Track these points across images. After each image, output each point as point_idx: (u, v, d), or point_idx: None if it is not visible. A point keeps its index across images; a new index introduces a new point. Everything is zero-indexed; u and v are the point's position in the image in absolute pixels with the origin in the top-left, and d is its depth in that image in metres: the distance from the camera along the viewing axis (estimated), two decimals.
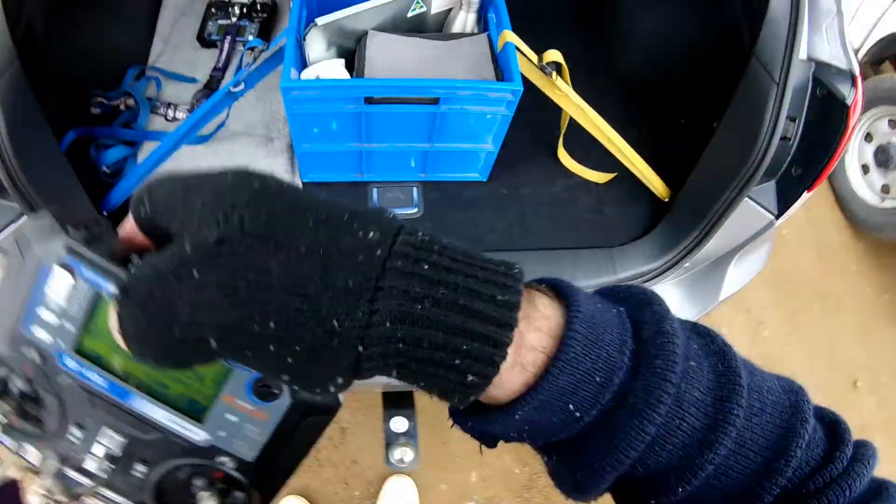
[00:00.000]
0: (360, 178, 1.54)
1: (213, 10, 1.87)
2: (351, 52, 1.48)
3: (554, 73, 1.41)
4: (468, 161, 1.51)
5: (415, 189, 1.54)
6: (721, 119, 1.34)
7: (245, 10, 1.87)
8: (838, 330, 2.48)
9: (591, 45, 1.94)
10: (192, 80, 1.78)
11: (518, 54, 1.36)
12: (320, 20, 1.37)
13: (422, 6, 1.49)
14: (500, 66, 1.42)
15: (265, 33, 1.85)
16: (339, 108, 1.31)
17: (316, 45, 1.41)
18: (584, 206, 1.53)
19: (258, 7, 1.86)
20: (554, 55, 1.41)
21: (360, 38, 1.46)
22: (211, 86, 1.75)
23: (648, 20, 1.83)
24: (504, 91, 1.31)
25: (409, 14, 1.49)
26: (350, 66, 1.46)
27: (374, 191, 1.54)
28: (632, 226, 1.50)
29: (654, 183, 1.54)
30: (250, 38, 1.83)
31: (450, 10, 1.53)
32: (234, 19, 1.85)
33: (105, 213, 1.45)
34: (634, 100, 1.79)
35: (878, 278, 2.67)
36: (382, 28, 1.47)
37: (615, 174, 1.58)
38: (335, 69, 1.43)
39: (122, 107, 1.73)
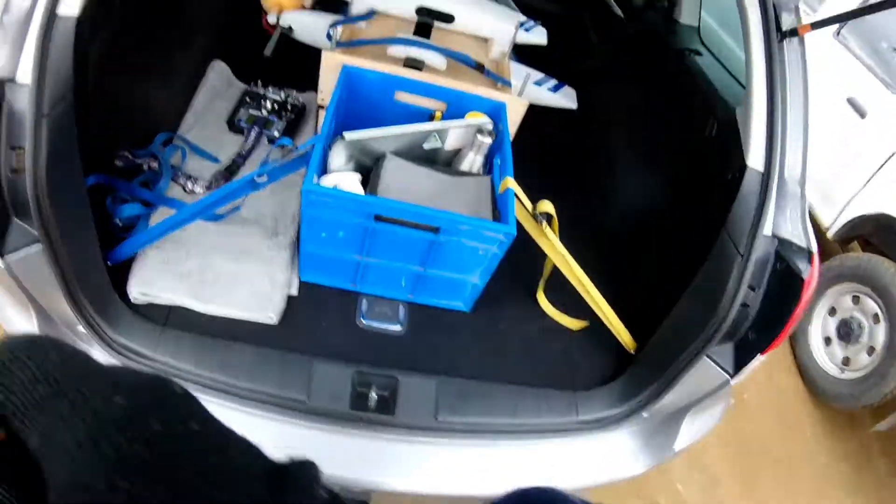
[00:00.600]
0: (353, 288, 1.66)
1: (247, 98, 2.04)
2: (367, 168, 1.63)
3: (545, 223, 1.57)
4: (455, 290, 1.64)
5: (401, 307, 1.65)
6: (690, 282, 1.45)
7: (276, 106, 2.05)
8: (793, 495, 2.51)
9: (582, 201, 2.16)
10: (215, 160, 1.92)
11: (515, 201, 1.53)
12: (348, 135, 1.53)
13: (437, 141, 1.66)
14: (499, 207, 1.58)
15: (290, 132, 2.02)
16: (350, 220, 1.45)
17: (338, 156, 1.57)
18: (555, 348, 1.66)
19: (289, 107, 2.03)
20: (547, 206, 1.58)
21: (379, 158, 1.62)
22: (231, 169, 1.89)
23: (635, 187, 2.05)
24: (498, 232, 1.46)
25: (426, 146, 1.66)
26: (364, 182, 1.61)
27: (364, 301, 1.65)
28: (597, 372, 1.61)
29: (623, 335, 1.67)
30: (276, 133, 2.00)
31: (461, 149, 1.70)
32: (264, 112, 2.03)
33: (109, 264, 1.52)
34: (614, 255, 1.98)
35: (836, 447, 2.73)
36: (399, 153, 1.63)
37: (587, 323, 1.72)
38: (351, 182, 1.57)
39: (146, 167, 1.85)
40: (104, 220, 1.60)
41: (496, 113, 1.76)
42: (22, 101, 1.09)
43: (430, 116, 1.79)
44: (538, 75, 2.26)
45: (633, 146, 2.26)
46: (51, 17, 1.10)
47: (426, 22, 2.09)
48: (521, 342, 1.66)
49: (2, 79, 1.09)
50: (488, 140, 1.61)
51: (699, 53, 2.23)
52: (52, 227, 1.16)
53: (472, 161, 1.69)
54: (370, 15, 2.05)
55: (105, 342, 1.35)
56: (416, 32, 2.05)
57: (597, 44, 2.95)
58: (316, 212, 1.45)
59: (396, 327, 1.61)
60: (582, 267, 1.61)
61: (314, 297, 1.63)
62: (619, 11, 2.90)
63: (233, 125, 2.00)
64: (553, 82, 2.24)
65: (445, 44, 2.03)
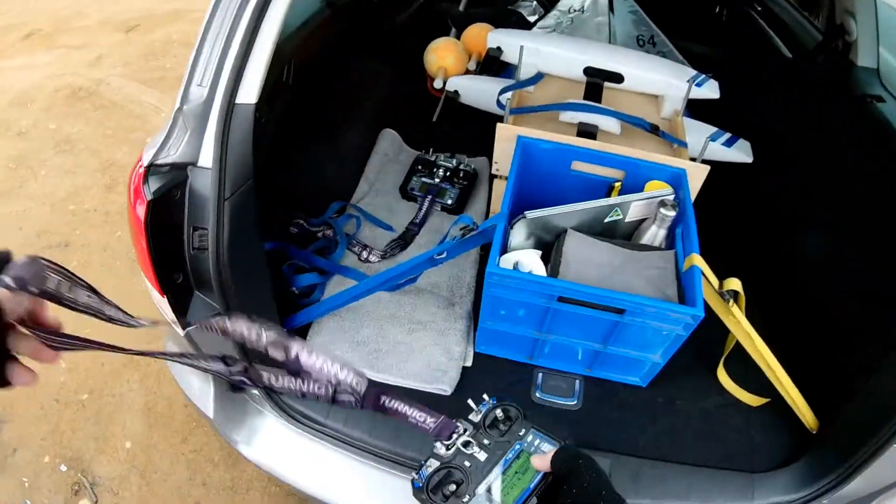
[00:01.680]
0: (529, 361, 1.66)
1: (418, 166, 2.14)
2: (547, 242, 1.65)
3: (731, 301, 1.50)
4: (634, 367, 1.59)
5: (577, 381, 1.64)
6: (886, 357, 1.35)
7: (448, 173, 2.13)
8: None
9: (762, 262, 2.06)
10: (389, 228, 2.02)
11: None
12: (530, 214, 1.56)
13: (619, 214, 1.67)
14: (684, 285, 1.53)
15: (462, 199, 2.10)
16: (532, 300, 1.44)
17: (519, 233, 1.59)
18: (733, 425, 1.58)
19: (461, 174, 2.11)
20: (734, 284, 1.50)
21: (559, 233, 1.63)
22: (405, 238, 1.98)
23: (819, 247, 1.95)
24: (686, 314, 1.36)
25: (606, 220, 1.66)
26: (544, 256, 1.62)
27: (539, 375, 1.64)
28: (776, 452, 1.52)
29: (805, 413, 1.56)
30: (449, 201, 2.08)
31: (642, 220, 1.70)
32: (436, 180, 2.11)
33: (287, 330, 1.64)
34: (801, 328, 1.85)
35: None
36: (580, 227, 1.63)
37: (768, 399, 1.64)
38: (532, 259, 1.58)
39: (321, 235, 1.98)
40: (281, 285, 1.71)
41: (677, 181, 1.72)
42: (204, 184, 1.15)
43: (610, 187, 1.79)
44: (710, 129, 2.20)
45: (813, 200, 2.12)
46: (230, 105, 1.16)
47: (596, 83, 2.11)
48: (697, 419, 1.60)
49: (185, 163, 1.16)
50: (672, 213, 1.57)
51: (881, 100, 2.07)
52: (233, 300, 1.22)
53: (655, 234, 1.65)
54: (538, 78, 2.09)
55: (279, 407, 1.42)
56: (586, 95, 2.06)
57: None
58: (498, 292, 1.48)
59: (572, 402, 1.60)
60: (762, 336, 1.53)
61: (489, 369, 1.64)
62: (787, 52, 2.78)
63: (406, 193, 2.10)
64: (726, 136, 2.16)
65: (615, 105, 2.02)
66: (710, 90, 2.07)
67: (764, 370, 1.57)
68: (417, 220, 2.02)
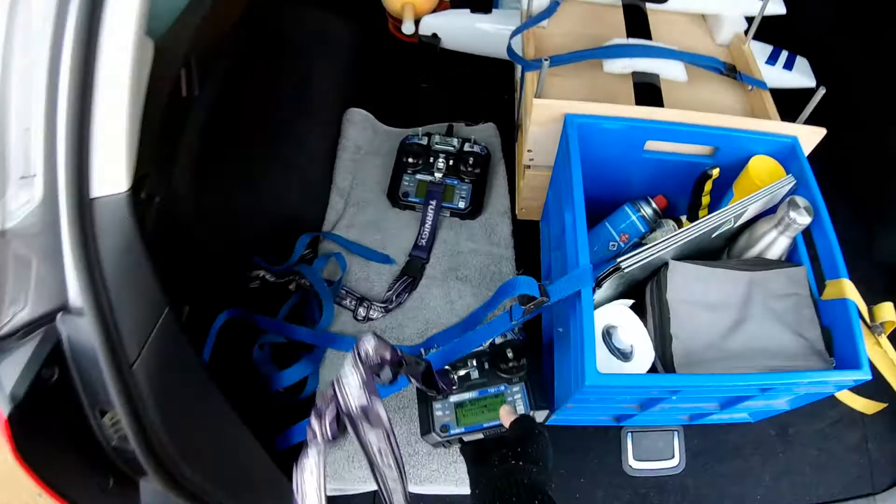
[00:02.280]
0: (614, 423, 1.32)
1: (408, 158, 1.52)
2: (637, 280, 1.11)
3: (882, 336, 1.07)
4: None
5: (675, 435, 1.36)
6: None
7: (451, 161, 1.52)
8: None
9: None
10: (386, 260, 1.45)
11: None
12: (624, 264, 1.01)
13: (731, 222, 1.11)
14: (825, 323, 1.06)
15: (478, 199, 1.52)
16: (637, 396, 1.10)
17: (607, 287, 1.06)
18: (849, 444, 1.42)
19: (469, 161, 1.50)
20: (888, 312, 1.06)
21: (657, 268, 1.10)
22: (412, 272, 1.41)
23: None
24: (845, 378, 0.97)
25: (715, 234, 1.11)
26: (636, 302, 1.11)
27: (630, 438, 1.34)
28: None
29: None
30: (462, 204, 1.49)
31: (753, 221, 1.14)
32: (437, 174, 1.51)
33: (279, 451, 1.20)
34: None
35: None
36: (682, 254, 1.11)
37: (885, 405, 1.32)
38: (621, 315, 1.08)
39: (293, 287, 1.41)
40: (257, 385, 1.29)
41: (788, 155, 1.21)
42: (88, 337, 0.70)
43: (704, 175, 1.25)
44: (765, 48, 1.73)
45: None
46: (81, 205, 0.69)
47: (635, 5, 1.49)
48: (813, 446, 1.42)
49: (47, 313, 0.70)
50: (806, 221, 1.06)
51: None
52: (188, 481, 0.85)
53: (773, 242, 1.13)
54: (555, 6, 1.46)
55: None
56: (628, 26, 1.48)
57: None
58: (590, 396, 1.02)
59: (673, 462, 1.34)
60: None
61: (566, 445, 1.35)
62: None
63: (397, 201, 1.49)
64: (784, 55, 1.74)
65: (662, 37, 1.48)
66: (775, 4, 1.51)
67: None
68: (423, 242, 1.45)
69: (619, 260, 1.01)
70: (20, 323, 0.70)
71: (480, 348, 1.18)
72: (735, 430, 1.39)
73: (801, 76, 1.73)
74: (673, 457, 1.34)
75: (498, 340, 1.19)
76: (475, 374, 1.16)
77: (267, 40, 1.50)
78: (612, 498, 1.31)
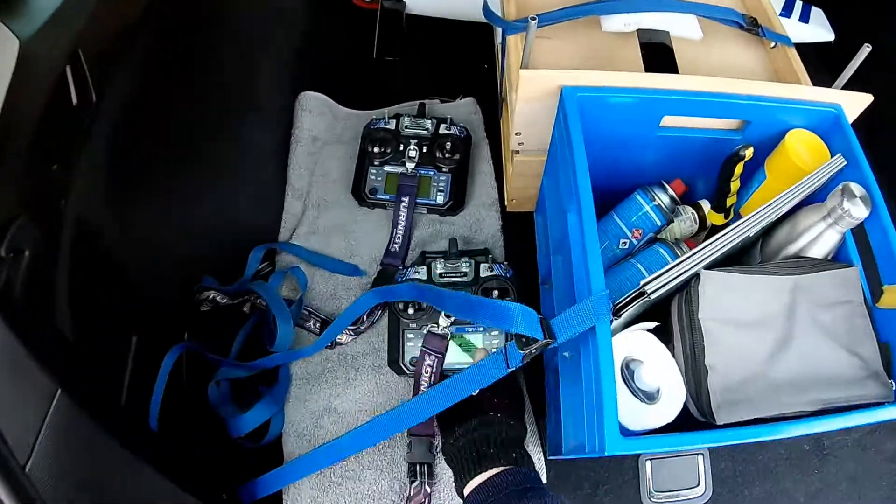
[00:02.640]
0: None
1: (373, 147, 1.29)
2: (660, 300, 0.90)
3: None
4: None
5: (700, 460, 1.14)
6: None
7: (424, 147, 1.29)
8: None
9: None
10: (354, 271, 1.23)
11: None
12: (650, 287, 0.81)
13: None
14: (881, 333, 0.88)
15: (459, 191, 1.29)
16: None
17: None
18: (887, 453, 1.26)
19: (447, 147, 1.28)
20: None
21: (686, 281, 0.89)
22: (384, 283, 1.18)
23: None
24: None
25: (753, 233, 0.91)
26: (659, 327, 0.90)
27: (648, 465, 1.13)
28: None
29: None
30: (440, 199, 1.26)
31: (796, 208, 0.93)
32: (409, 165, 1.28)
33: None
34: None
35: None
36: (716, 262, 0.90)
37: None
38: (647, 345, 0.88)
39: (247, 309, 1.19)
40: (213, 428, 1.09)
41: (828, 126, 1.00)
42: None
43: (735, 155, 1.01)
44: None
45: None
46: None
47: None
48: (850, 459, 1.26)
49: None
50: (863, 212, 0.88)
51: None
52: None
53: (818, 236, 0.94)
54: None
55: None
56: None
57: None
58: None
59: (698, 491, 1.11)
60: None
61: (573, 477, 1.17)
62: None
63: (363, 199, 1.26)
64: (799, 5, 1.56)
65: None
66: None
67: None
68: (396, 247, 1.23)
69: (643, 283, 0.81)
70: None
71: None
72: (766, 448, 1.25)
73: (818, 28, 1.55)
74: (698, 484, 1.14)
75: (484, 273, 1.16)
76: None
77: (193, 14, 1.24)
78: None
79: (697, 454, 1.12)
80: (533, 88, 0.97)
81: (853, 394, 0.82)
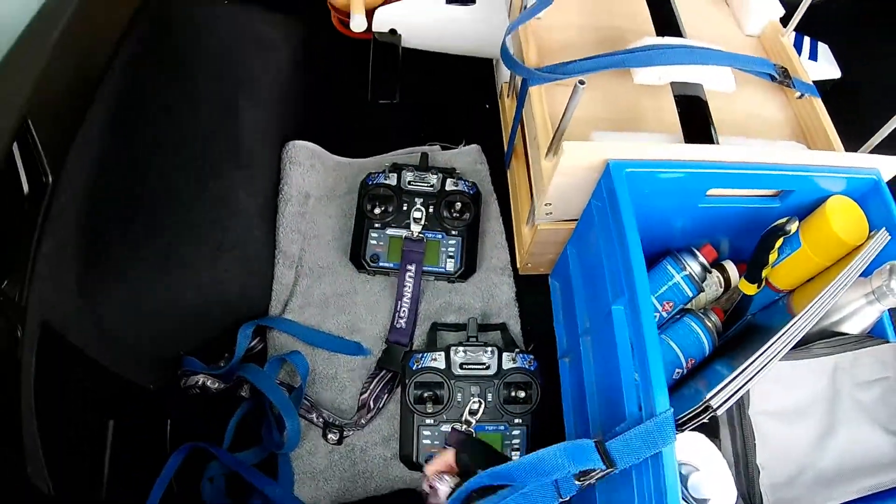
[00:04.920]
0: None
1: (373, 207, 1.21)
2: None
3: None
4: None
5: None
6: None
7: (430, 206, 1.21)
8: None
9: None
10: (356, 350, 1.15)
11: None
12: (716, 401, 0.78)
13: None
14: None
15: (470, 255, 1.22)
16: None
17: None
18: None
19: (456, 205, 1.21)
20: None
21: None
22: (391, 361, 1.11)
23: None
24: None
25: None
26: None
27: None
28: None
29: None
30: (451, 266, 1.18)
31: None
32: (415, 227, 1.19)
33: None
34: None
35: None
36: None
37: None
38: (700, 449, 0.81)
39: (245, 393, 1.12)
40: None
41: (865, 191, 0.98)
42: None
43: (778, 229, 0.97)
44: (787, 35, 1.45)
45: None
46: None
47: None
48: None
49: None
50: None
51: None
52: None
53: (859, 310, 0.92)
54: None
55: None
56: (654, 14, 1.21)
57: None
58: None
59: None
60: None
61: None
62: None
63: (363, 265, 1.18)
64: (807, 42, 1.53)
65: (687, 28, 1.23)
66: None
67: None
68: (402, 323, 1.15)
69: (708, 397, 0.77)
70: None
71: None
72: None
73: (826, 66, 1.52)
74: None
75: (507, 365, 1.10)
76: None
77: (165, 53, 1.13)
78: None
79: None
80: (574, 160, 0.89)
81: (892, 476, 0.83)
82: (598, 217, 0.93)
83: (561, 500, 0.75)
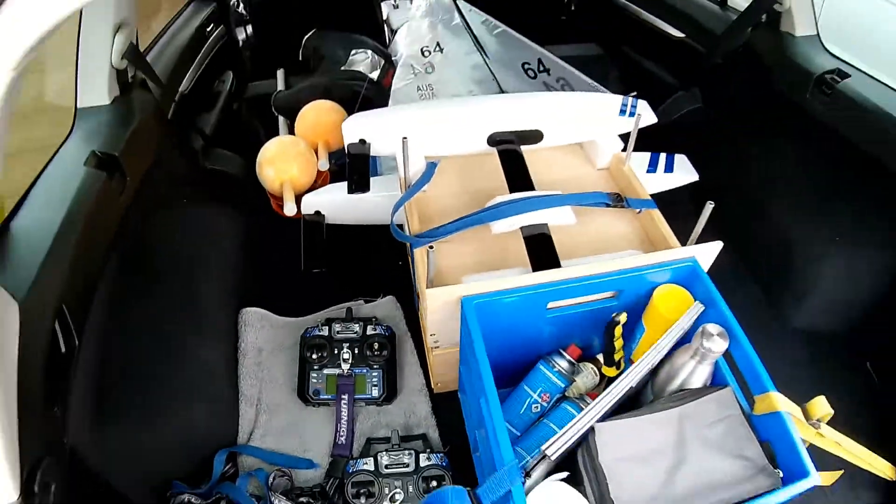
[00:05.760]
0: None
1: (312, 354, 1.57)
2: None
3: (822, 426, 1.16)
4: None
5: None
6: None
7: (356, 350, 1.58)
8: None
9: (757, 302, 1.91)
10: (310, 465, 1.47)
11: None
12: (551, 451, 1.10)
13: None
14: (764, 437, 1.14)
15: (391, 384, 1.58)
16: None
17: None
18: None
19: (375, 347, 1.58)
20: (821, 407, 1.14)
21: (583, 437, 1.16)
22: (337, 472, 1.42)
23: (831, 277, 1.80)
24: (794, 489, 1.04)
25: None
26: (570, 475, 1.14)
27: None
28: None
29: (881, 467, 1.33)
30: (375, 392, 1.53)
31: (670, 352, 1.25)
32: (345, 367, 1.55)
33: None
34: (821, 361, 1.75)
35: None
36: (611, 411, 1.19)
37: (842, 472, 1.33)
38: (560, 495, 1.10)
39: None
40: None
41: (687, 275, 1.33)
42: None
43: (612, 322, 1.35)
44: (643, 157, 1.85)
45: (803, 219, 1.89)
46: None
47: (511, 150, 1.63)
48: None
49: None
50: (722, 347, 1.15)
51: (845, 75, 1.80)
52: None
53: (695, 373, 1.22)
54: (432, 170, 1.57)
55: None
56: (507, 173, 1.58)
57: (673, 84, 2.46)
58: None
59: None
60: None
61: None
62: (676, 33, 2.44)
63: (307, 399, 1.55)
64: (662, 157, 1.88)
65: (538, 171, 1.60)
66: (646, 114, 1.69)
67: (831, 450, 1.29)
68: (343, 439, 1.49)
69: (544, 448, 1.08)
70: None
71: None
72: None
73: (683, 174, 1.88)
74: None
75: (423, 463, 1.40)
76: None
77: (146, 257, 1.52)
78: None
79: None
80: (438, 301, 1.26)
81: (746, 488, 1.05)
82: (465, 340, 1.28)
83: None
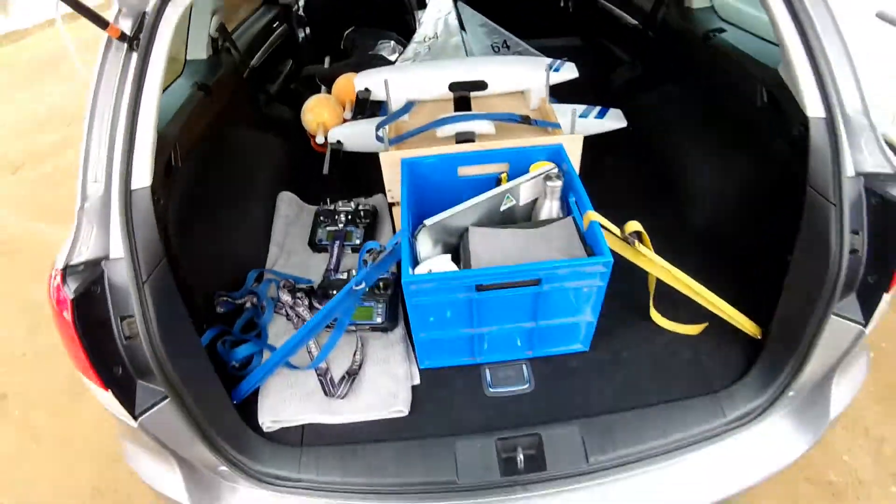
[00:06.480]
0: (473, 361, 1.82)
1: (321, 218, 2.38)
2: (455, 247, 1.87)
3: (636, 242, 1.70)
4: (570, 334, 1.79)
5: (524, 366, 1.80)
6: (792, 250, 1.52)
7: (349, 216, 2.37)
8: None
9: (660, 209, 2.36)
10: (308, 283, 2.20)
11: (603, 230, 1.63)
12: (428, 221, 1.77)
13: (511, 200, 1.89)
14: (589, 243, 1.71)
15: (369, 236, 2.35)
16: (453, 297, 1.59)
17: (424, 244, 1.79)
18: (683, 358, 1.77)
19: (361, 214, 2.36)
20: (634, 226, 1.70)
21: (462, 233, 1.84)
22: (324, 286, 2.14)
23: (705, 179, 2.34)
24: (596, 264, 1.55)
25: (502, 208, 1.88)
26: (456, 259, 1.82)
27: (487, 372, 1.80)
28: (731, 368, 1.70)
29: (745, 324, 1.76)
30: (357, 241, 2.31)
31: (535, 200, 1.93)
32: (340, 225, 2.35)
33: (235, 403, 1.66)
34: (711, 252, 2.11)
35: None
36: (480, 223, 1.85)
37: (706, 324, 1.82)
38: (443, 263, 1.78)
39: (248, 304, 2.12)
40: (220, 364, 1.78)
41: (557, 156, 1.94)
42: (120, 274, 1.27)
43: (497, 181, 2.01)
44: (580, 108, 2.51)
45: (691, 142, 2.54)
46: (127, 193, 1.33)
47: (463, 95, 2.36)
48: (648, 363, 1.77)
49: (98, 258, 1.29)
50: (558, 183, 1.79)
51: (722, 31, 2.48)
52: (176, 381, 1.32)
53: (550, 208, 1.86)
54: (409, 107, 2.33)
55: (249, 475, 1.49)
56: (456, 108, 2.31)
57: (627, 60, 3.33)
58: (420, 299, 1.61)
59: (524, 386, 1.74)
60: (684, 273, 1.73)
61: (439, 380, 1.78)
62: (633, 21, 3.28)
63: (315, 245, 2.34)
64: (597, 109, 2.48)
65: (488, 110, 2.24)
66: (569, 72, 2.37)
67: (693, 297, 1.79)
68: (332, 267, 2.24)
69: (424, 221, 1.79)
70: (83, 259, 1.28)
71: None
72: (575, 359, 1.80)
73: (613, 121, 2.47)
74: (524, 382, 1.74)
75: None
76: None
77: (224, 144, 2.39)
78: (480, 415, 1.66)
79: (522, 363, 1.81)
80: (389, 161, 2.01)
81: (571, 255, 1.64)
82: (402, 190, 1.99)
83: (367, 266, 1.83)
